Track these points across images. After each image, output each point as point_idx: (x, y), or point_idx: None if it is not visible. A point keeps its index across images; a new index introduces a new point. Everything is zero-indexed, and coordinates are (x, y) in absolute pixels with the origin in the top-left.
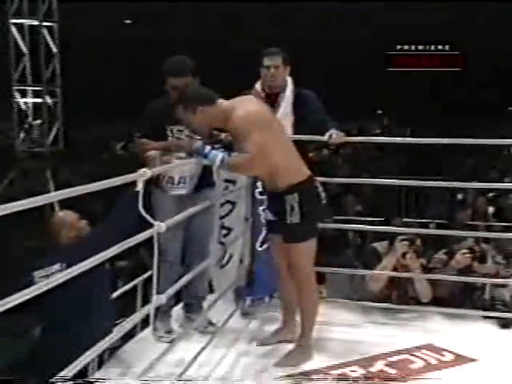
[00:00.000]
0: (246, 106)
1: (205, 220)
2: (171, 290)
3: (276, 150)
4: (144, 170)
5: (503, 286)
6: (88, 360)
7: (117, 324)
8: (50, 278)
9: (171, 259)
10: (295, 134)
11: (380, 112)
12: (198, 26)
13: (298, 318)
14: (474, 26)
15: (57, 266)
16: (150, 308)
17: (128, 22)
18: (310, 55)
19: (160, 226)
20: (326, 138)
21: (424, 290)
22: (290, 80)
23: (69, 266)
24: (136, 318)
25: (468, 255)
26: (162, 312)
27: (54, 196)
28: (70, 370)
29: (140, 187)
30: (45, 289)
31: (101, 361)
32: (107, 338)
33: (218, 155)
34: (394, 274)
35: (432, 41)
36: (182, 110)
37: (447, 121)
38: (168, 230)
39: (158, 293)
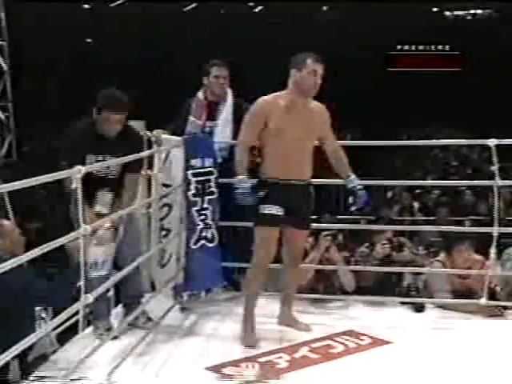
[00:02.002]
0: None
1: (131, 225)
2: (100, 289)
3: None
4: (79, 167)
5: (418, 274)
6: None
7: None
8: None
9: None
10: (234, 139)
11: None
12: None
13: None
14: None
15: None
16: (78, 306)
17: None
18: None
19: (86, 229)
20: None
21: (348, 280)
22: (229, 91)
23: None
24: (63, 316)
25: (387, 245)
26: (101, 313)
27: None
28: None
29: (74, 185)
30: None
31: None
32: (17, 346)
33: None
34: (320, 266)
35: (432, 41)
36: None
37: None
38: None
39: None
